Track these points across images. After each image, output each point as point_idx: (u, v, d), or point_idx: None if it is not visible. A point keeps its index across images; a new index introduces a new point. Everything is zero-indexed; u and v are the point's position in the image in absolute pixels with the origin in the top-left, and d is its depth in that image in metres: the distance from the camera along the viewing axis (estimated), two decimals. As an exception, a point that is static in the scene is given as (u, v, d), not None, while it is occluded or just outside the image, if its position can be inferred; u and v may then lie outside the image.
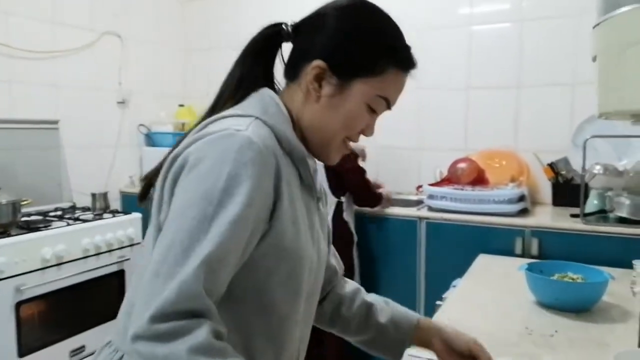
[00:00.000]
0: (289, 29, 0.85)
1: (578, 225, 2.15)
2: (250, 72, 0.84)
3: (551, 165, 2.59)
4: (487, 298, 1.60)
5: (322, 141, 0.83)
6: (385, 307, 1.04)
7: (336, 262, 1.09)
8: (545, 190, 2.68)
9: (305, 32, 0.83)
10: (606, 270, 1.54)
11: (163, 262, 0.63)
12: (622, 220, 2.09)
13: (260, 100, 0.80)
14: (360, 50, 0.78)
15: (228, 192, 0.65)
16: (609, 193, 2.23)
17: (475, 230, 2.33)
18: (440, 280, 2.13)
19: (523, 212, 2.38)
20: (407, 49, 0.83)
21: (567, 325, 1.36)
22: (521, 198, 2.37)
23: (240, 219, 0.65)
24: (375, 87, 0.79)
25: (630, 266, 1.49)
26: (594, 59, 0.71)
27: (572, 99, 2.64)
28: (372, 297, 1.07)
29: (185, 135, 0.79)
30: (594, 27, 0.69)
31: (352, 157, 2.41)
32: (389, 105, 0.83)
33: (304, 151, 0.80)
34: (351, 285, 1.09)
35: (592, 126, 2.36)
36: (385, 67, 0.79)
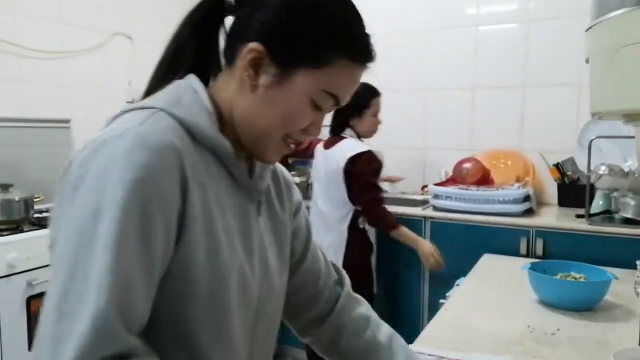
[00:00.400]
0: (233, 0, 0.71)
1: (583, 225, 2.16)
2: (184, 49, 0.72)
3: (557, 166, 2.60)
4: (490, 297, 1.61)
5: (256, 138, 0.70)
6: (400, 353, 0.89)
7: (336, 272, 0.95)
8: (551, 190, 2.68)
9: (247, 5, 0.69)
10: (611, 270, 1.55)
11: (64, 301, 0.52)
12: (627, 221, 2.10)
13: (175, 88, 0.68)
14: (304, 34, 0.65)
15: (103, 210, 0.54)
16: (615, 194, 2.23)
17: (480, 230, 2.34)
18: (445, 279, 2.15)
19: (528, 212, 2.39)
20: (363, 37, 0.69)
21: (569, 323, 1.37)
22: (526, 198, 2.38)
23: (122, 236, 0.53)
24: (321, 81, 0.66)
25: (635, 267, 1.50)
26: (587, 61, 0.73)
27: (578, 100, 2.64)
28: (384, 333, 0.91)
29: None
30: (586, 30, 0.71)
31: (369, 170, 2.23)
32: (337, 102, 0.70)
33: (227, 145, 0.67)
34: (362, 310, 0.94)
35: (598, 127, 2.36)
36: (333, 58, 0.65)
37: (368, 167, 2.21)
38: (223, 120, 0.69)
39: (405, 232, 2.25)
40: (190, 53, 0.71)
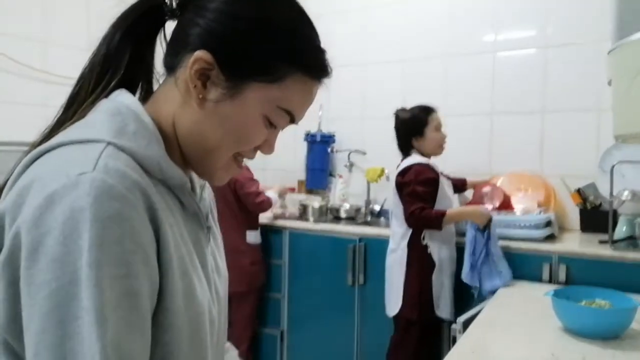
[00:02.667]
0: (174, 3, 0.64)
1: (607, 251, 2.12)
2: (116, 56, 0.63)
3: (579, 191, 2.57)
4: (513, 324, 1.58)
5: (205, 156, 0.64)
6: None
7: None
8: (573, 216, 2.64)
9: (191, 10, 0.62)
10: (636, 297, 1.51)
11: None
12: (652, 247, 2.05)
13: (113, 113, 0.58)
14: (255, 45, 0.60)
15: (80, 280, 0.47)
16: (638, 219, 2.20)
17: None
18: (466, 304, 2.12)
19: (550, 238, 2.35)
20: (318, 51, 0.64)
21: (594, 352, 1.33)
22: (548, 223, 2.35)
23: (108, 304, 0.48)
24: (275, 97, 0.61)
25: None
26: (610, 83, 0.73)
27: (598, 124, 2.62)
28: None
29: (18, 163, 0.56)
30: (609, 53, 0.72)
31: (416, 181, 2.21)
32: (292, 119, 0.65)
33: (183, 176, 0.61)
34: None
35: (620, 152, 2.34)
36: (287, 72, 0.61)
37: (415, 178, 2.19)
38: (166, 137, 0.62)
39: (452, 216, 2.18)
40: (122, 61, 0.63)
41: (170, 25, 0.66)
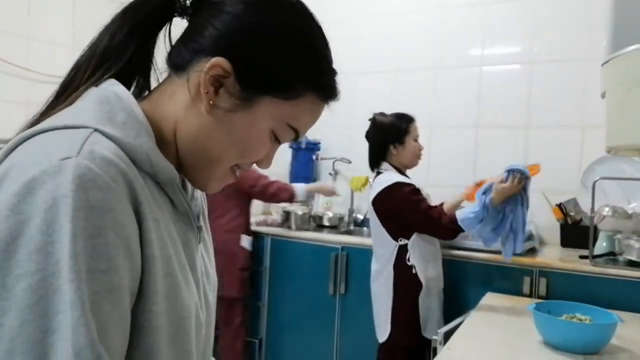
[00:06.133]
0: (187, 0, 0.62)
1: (587, 266, 2.13)
2: (120, 48, 0.60)
3: (560, 206, 2.59)
4: (495, 337, 1.58)
5: (204, 164, 0.62)
6: None
7: None
8: (554, 230, 2.66)
9: (206, 10, 0.60)
10: (616, 313, 1.52)
11: None
12: (631, 264, 2.08)
13: (101, 102, 0.55)
14: (277, 61, 0.58)
15: (60, 272, 0.44)
16: (618, 236, 2.23)
17: (482, 267, 2.31)
18: (446, 317, 2.12)
19: (531, 252, 2.36)
20: (333, 73, 0.64)
21: (575, 367, 1.34)
22: (529, 237, 2.36)
23: (93, 298, 0.46)
24: (286, 114, 0.61)
25: (640, 310, 1.47)
26: (603, 96, 0.73)
27: (581, 141, 2.66)
28: None
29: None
30: (602, 65, 0.72)
31: (408, 191, 2.08)
32: (296, 137, 0.64)
33: (173, 172, 0.59)
34: None
35: (602, 168, 2.37)
36: (302, 92, 0.60)
37: (405, 192, 2.06)
38: (162, 137, 0.60)
39: (452, 205, 2.05)
40: (124, 54, 0.60)
41: (175, 23, 0.64)
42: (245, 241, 2.64)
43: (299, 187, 2.69)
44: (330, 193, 2.89)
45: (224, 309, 2.55)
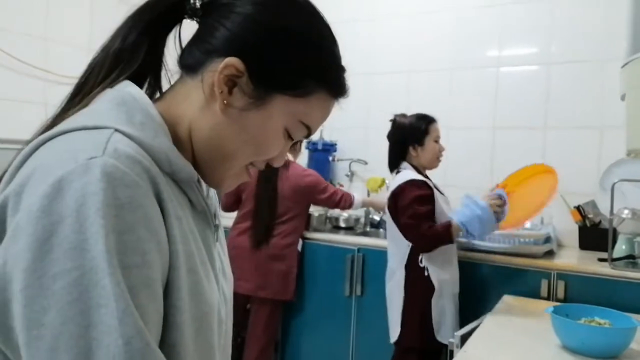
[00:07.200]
0: (197, 2, 0.63)
1: (606, 269, 2.11)
2: (133, 50, 0.61)
3: (578, 208, 2.56)
4: (511, 340, 1.57)
5: (219, 162, 0.63)
6: None
7: None
8: (572, 233, 2.63)
9: (217, 11, 0.61)
10: (635, 317, 1.50)
11: None
12: (651, 267, 2.05)
13: (118, 102, 0.56)
14: (289, 59, 0.60)
15: (97, 269, 0.45)
16: (638, 239, 2.19)
17: (499, 269, 2.29)
18: (462, 320, 2.10)
19: (549, 254, 2.34)
20: (342, 70, 0.65)
21: (594, 371, 1.32)
22: (547, 239, 2.34)
23: (130, 295, 0.46)
24: (299, 111, 0.62)
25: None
26: (623, 98, 0.72)
27: (599, 142, 2.63)
28: None
29: (18, 153, 0.53)
30: (622, 67, 0.71)
31: (411, 197, 2.06)
32: (308, 134, 0.66)
33: (192, 171, 0.60)
34: None
35: (621, 170, 2.34)
36: (314, 89, 0.61)
37: (412, 198, 2.05)
38: (177, 137, 0.61)
39: (455, 228, 1.99)
40: (137, 56, 0.61)
41: (185, 24, 0.65)
42: (300, 245, 2.67)
43: (357, 198, 2.71)
44: (382, 209, 2.84)
45: (253, 310, 2.57)
